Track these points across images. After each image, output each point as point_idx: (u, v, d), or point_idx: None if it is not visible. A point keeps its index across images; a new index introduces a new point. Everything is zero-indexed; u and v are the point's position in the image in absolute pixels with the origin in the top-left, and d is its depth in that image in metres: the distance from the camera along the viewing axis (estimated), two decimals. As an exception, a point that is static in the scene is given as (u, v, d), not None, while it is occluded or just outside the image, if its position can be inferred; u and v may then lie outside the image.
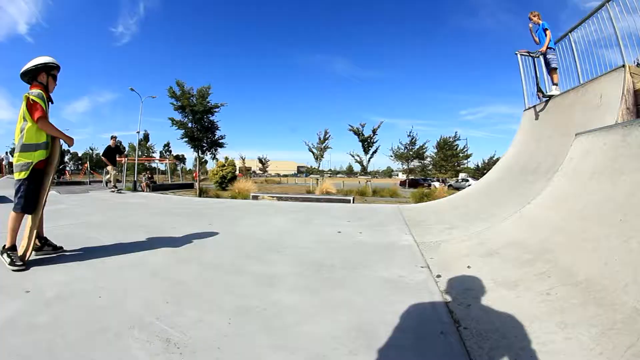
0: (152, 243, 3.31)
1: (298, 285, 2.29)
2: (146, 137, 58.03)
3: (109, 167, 10.88)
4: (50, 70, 2.81)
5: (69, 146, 2.93)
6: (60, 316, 1.71)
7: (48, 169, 2.77)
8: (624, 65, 4.52)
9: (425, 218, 5.04)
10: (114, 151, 10.90)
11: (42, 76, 2.77)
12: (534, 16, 6.59)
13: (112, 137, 10.91)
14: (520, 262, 2.41)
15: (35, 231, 2.64)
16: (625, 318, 1.41)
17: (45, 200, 2.75)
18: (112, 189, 10.70)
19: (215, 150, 19.04)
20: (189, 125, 17.84)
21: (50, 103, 2.78)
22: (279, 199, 10.41)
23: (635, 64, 4.79)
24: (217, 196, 13.42)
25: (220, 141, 18.76)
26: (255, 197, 11.06)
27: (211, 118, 18.29)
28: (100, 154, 11.28)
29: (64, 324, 1.62)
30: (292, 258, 2.93)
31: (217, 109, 18.06)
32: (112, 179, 10.92)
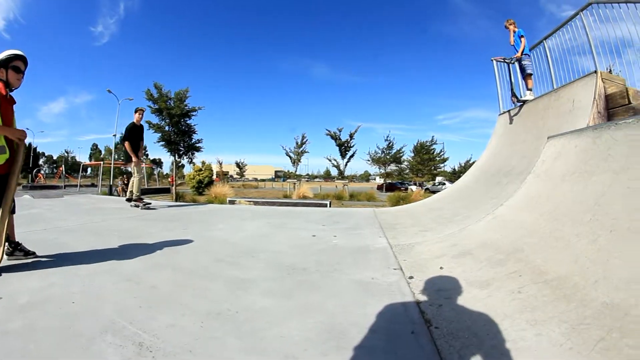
0: (127, 248, 3.34)
1: (271, 289, 2.31)
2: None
3: (133, 164, 7.00)
4: (9, 63, 2.63)
5: (19, 140, 2.74)
6: (33, 322, 1.70)
7: (13, 169, 2.66)
8: (596, 71, 4.77)
9: (400, 221, 5.11)
10: (140, 133, 7.28)
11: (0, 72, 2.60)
12: (510, 24, 6.92)
13: (137, 110, 7.22)
14: (492, 262, 2.47)
15: (3, 235, 2.53)
16: (595, 313, 1.46)
17: (14, 202, 2.70)
18: (135, 202, 7.10)
19: (192, 154, 19.17)
20: (166, 128, 17.81)
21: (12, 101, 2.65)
22: (256, 203, 10.46)
23: (608, 70, 5.06)
24: (194, 201, 13.26)
25: (198, 145, 18.85)
26: (232, 202, 11.12)
27: (188, 122, 18.34)
28: (122, 139, 7.44)
29: (37, 330, 1.62)
30: (266, 262, 2.95)
31: (194, 113, 18.14)
32: (135, 186, 7.12)
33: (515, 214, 3.21)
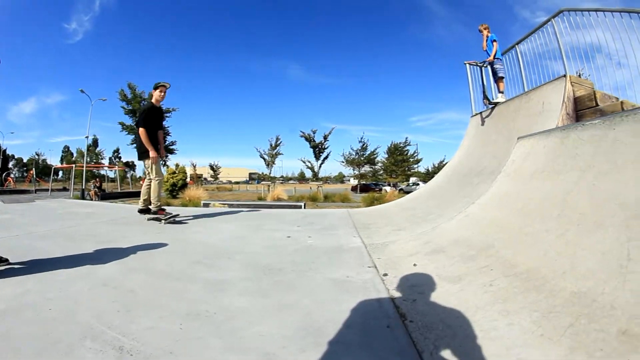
0: (102, 253, 3.29)
1: (249, 289, 2.34)
2: (95, 143, 56.57)
3: (150, 161, 5.10)
4: None
5: None
6: (11, 330, 1.69)
7: None
8: (565, 75, 5.04)
9: (374, 221, 5.18)
10: (160, 117, 5.55)
11: None
12: (484, 28, 7.22)
13: (158, 86, 5.26)
14: (464, 258, 2.55)
15: None
16: (564, 302, 1.54)
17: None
18: (155, 214, 5.25)
19: (166, 156, 18.62)
20: None
21: None
22: (230, 206, 10.40)
23: (578, 74, 5.34)
24: (168, 204, 12.96)
25: (171, 147, 18.41)
26: (206, 205, 11.06)
27: (162, 123, 17.83)
28: (136, 124, 5.43)
29: (15, 338, 1.61)
30: (242, 263, 2.96)
31: (168, 114, 17.74)
32: (153, 193, 5.24)
33: (487, 211, 3.33)
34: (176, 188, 22.99)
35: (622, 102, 4.68)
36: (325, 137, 25.54)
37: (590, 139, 2.53)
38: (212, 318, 1.86)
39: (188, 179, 27.26)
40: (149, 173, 5.28)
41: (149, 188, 5.37)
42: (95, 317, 1.84)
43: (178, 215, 5.48)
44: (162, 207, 5.44)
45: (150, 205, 5.33)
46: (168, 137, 18.25)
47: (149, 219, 5.30)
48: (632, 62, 4.56)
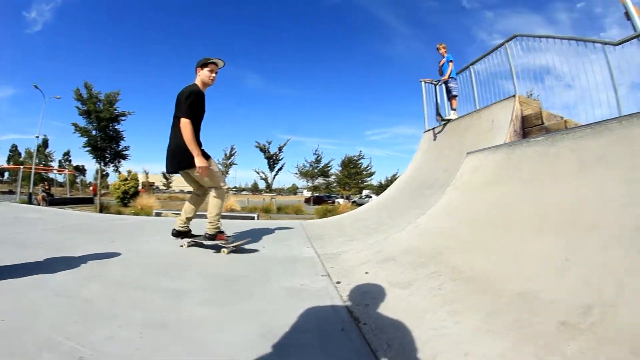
0: (55, 261, 3.13)
1: (207, 298, 2.34)
2: (45, 143, 52.21)
3: (199, 168, 3.44)
4: None
5: None
6: None
7: None
8: (514, 95, 5.49)
9: (327, 232, 5.26)
10: (203, 107, 3.77)
11: None
12: (442, 48, 7.68)
13: (208, 63, 3.73)
14: (414, 265, 2.67)
15: None
16: (509, 301, 1.67)
17: None
18: (212, 238, 3.74)
19: (119, 162, 18.43)
20: (93, 132, 17.01)
21: None
22: None
23: (528, 94, 5.82)
24: (119, 212, 12.32)
25: (124, 152, 17.83)
26: (158, 214, 10.89)
27: (117, 127, 17.67)
28: (180, 113, 3.46)
29: None
30: (198, 273, 2.95)
31: (124, 118, 17.19)
32: (214, 211, 3.74)
33: (436, 222, 3.49)
34: (128, 196, 22.33)
35: (565, 121, 5.15)
36: (280, 149, 25.61)
37: (533, 154, 2.76)
38: (173, 326, 1.85)
39: (140, 187, 26.25)
40: (220, 183, 3.74)
41: (197, 203, 4.01)
42: (51, 327, 1.78)
43: (247, 240, 4.16)
44: (222, 231, 3.81)
45: (207, 228, 3.73)
46: (122, 141, 17.56)
47: (189, 245, 3.94)
48: (579, 84, 5.08)
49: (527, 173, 2.71)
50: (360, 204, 19.37)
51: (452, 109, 7.34)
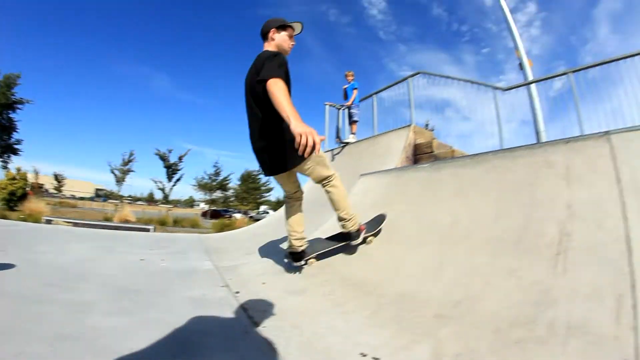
0: None
1: (111, 309, 2.27)
2: None
3: (305, 147, 1.95)
4: None
5: None
6: None
7: None
8: (410, 125, 6.26)
9: (225, 246, 5.29)
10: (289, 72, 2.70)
11: None
12: (350, 75, 8.34)
13: (284, 27, 2.90)
14: (308, 275, 2.95)
15: None
16: (390, 300, 2.02)
17: None
18: (360, 232, 2.95)
19: (9, 157, 15.35)
20: None
21: None
22: (76, 224, 9.78)
23: (425, 123, 6.64)
24: (5, 217, 10.37)
25: (16, 146, 15.09)
26: (49, 222, 9.92)
27: (11, 115, 15.49)
28: (270, 74, 2.37)
29: None
30: (100, 285, 2.82)
31: (20, 106, 14.60)
32: (345, 203, 2.97)
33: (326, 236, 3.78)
34: (15, 198, 18.53)
35: (453, 151, 5.95)
36: (180, 158, 24.49)
37: (419, 179, 3.30)
38: (83, 337, 1.79)
39: (28, 189, 22.55)
40: (307, 168, 2.88)
41: (301, 207, 3.31)
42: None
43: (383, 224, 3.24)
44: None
45: (347, 227, 2.96)
46: (14, 133, 15.14)
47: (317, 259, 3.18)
48: (475, 117, 6.04)
49: (413, 195, 3.20)
50: (258, 219, 19.50)
51: (352, 133, 7.98)
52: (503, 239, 2.23)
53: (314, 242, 3.29)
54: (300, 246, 3.06)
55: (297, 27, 2.99)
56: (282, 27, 2.89)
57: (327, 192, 2.99)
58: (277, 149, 2.73)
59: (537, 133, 7.60)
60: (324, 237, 3.34)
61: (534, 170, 2.58)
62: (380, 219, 3.22)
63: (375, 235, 3.16)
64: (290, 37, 2.93)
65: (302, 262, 3.11)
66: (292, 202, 3.23)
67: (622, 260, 1.73)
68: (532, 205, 2.37)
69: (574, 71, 5.98)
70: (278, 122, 2.52)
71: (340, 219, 2.98)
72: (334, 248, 3.18)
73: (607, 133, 2.37)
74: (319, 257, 3.21)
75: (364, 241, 3.08)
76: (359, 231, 2.98)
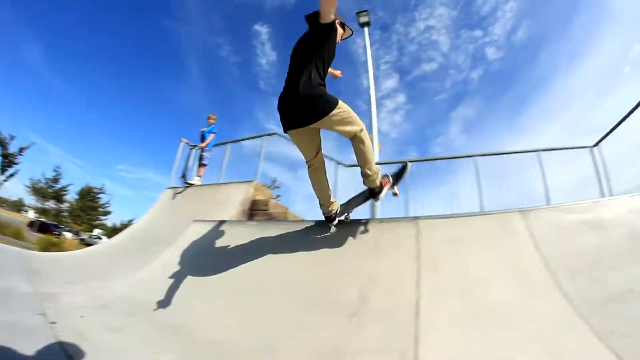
0: None
1: None
2: None
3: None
4: None
5: None
6: None
7: None
8: (251, 181, 7.13)
9: (49, 268, 4.93)
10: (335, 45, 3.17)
11: None
12: (212, 119, 8.89)
13: (342, 23, 3.30)
14: (127, 313, 3.22)
15: None
16: (202, 345, 2.61)
17: None
18: (383, 183, 3.56)
19: None
20: None
21: None
22: None
23: (272, 180, 7.62)
24: None
25: None
26: None
27: None
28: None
29: None
30: None
31: None
32: (371, 156, 3.25)
33: (153, 276, 4.11)
34: None
35: (286, 212, 6.80)
36: (21, 150, 20.48)
37: (247, 234, 3.99)
38: None
39: None
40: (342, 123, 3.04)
41: (323, 173, 3.41)
42: None
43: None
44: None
45: (371, 181, 3.39)
46: None
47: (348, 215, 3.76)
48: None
49: (242, 246, 3.86)
50: (89, 244, 17.63)
51: (198, 176, 8.42)
52: (310, 297, 2.87)
53: (344, 204, 3.70)
54: (332, 210, 3.47)
55: (349, 32, 3.42)
56: (343, 25, 3.29)
57: (357, 145, 3.16)
58: (316, 97, 2.91)
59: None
60: (351, 197, 3.77)
61: (349, 241, 3.38)
62: (400, 172, 3.73)
63: (396, 184, 3.71)
64: (341, 35, 3.31)
65: (336, 222, 3.58)
66: (313, 168, 3.35)
67: (409, 321, 2.26)
68: (340, 271, 3.10)
69: (410, 161, 7.69)
70: (323, 71, 3.00)
71: (366, 175, 3.31)
72: (362, 202, 3.71)
73: (416, 218, 3.30)
74: (348, 216, 3.75)
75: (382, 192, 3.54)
76: (382, 185, 3.48)
